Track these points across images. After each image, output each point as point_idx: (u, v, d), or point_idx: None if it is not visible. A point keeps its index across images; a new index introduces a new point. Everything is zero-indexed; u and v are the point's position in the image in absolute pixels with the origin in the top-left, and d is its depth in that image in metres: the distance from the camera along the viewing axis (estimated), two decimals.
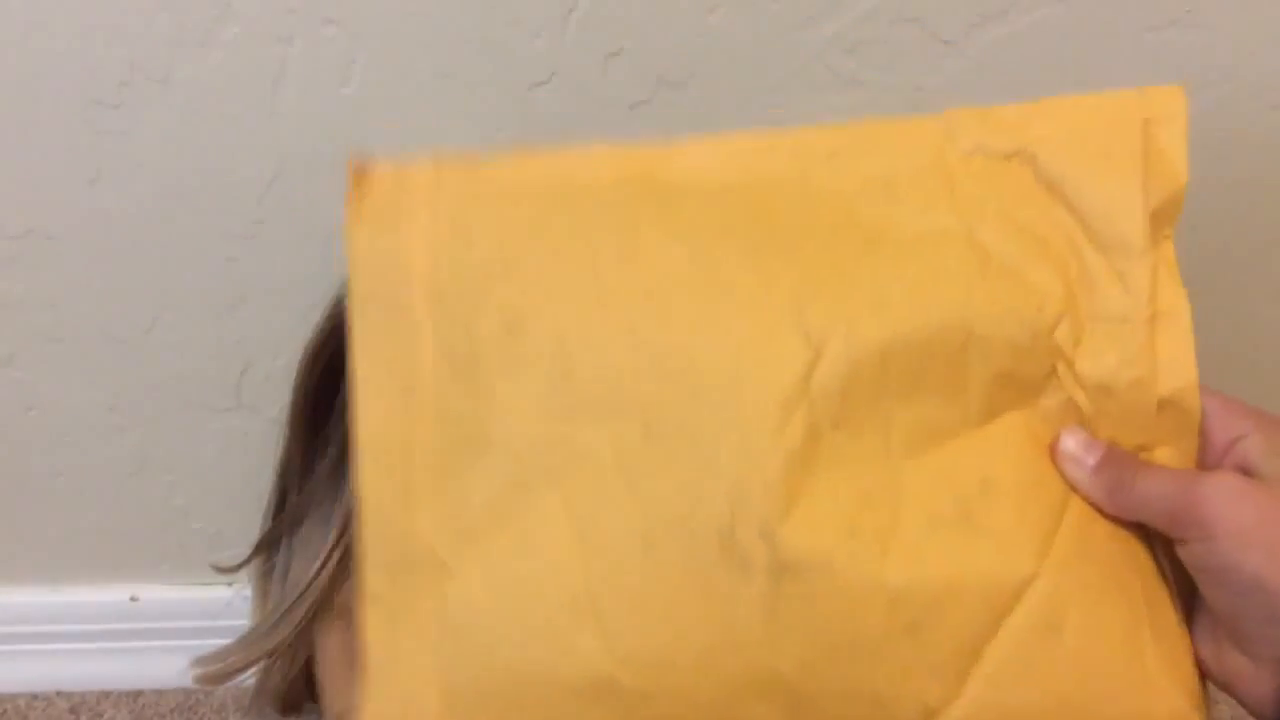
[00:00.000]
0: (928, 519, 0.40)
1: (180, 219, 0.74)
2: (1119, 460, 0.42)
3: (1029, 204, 0.43)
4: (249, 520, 0.76)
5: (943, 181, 0.44)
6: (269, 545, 0.74)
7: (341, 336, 0.68)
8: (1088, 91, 0.62)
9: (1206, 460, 0.44)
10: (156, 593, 0.87)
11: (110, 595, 0.87)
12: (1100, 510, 0.43)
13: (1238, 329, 0.81)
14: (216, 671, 0.69)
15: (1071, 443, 0.43)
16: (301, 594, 0.69)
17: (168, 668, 0.81)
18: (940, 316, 0.42)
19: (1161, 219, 0.44)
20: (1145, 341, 0.42)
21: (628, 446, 0.41)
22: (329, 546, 0.70)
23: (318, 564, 0.70)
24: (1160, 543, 0.43)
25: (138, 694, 0.86)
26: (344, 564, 0.71)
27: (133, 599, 0.87)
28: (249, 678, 0.72)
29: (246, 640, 0.70)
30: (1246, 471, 0.42)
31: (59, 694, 0.86)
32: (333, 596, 0.71)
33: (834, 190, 0.44)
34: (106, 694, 0.86)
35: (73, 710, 0.85)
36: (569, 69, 0.71)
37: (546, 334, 0.42)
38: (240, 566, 0.75)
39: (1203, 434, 0.43)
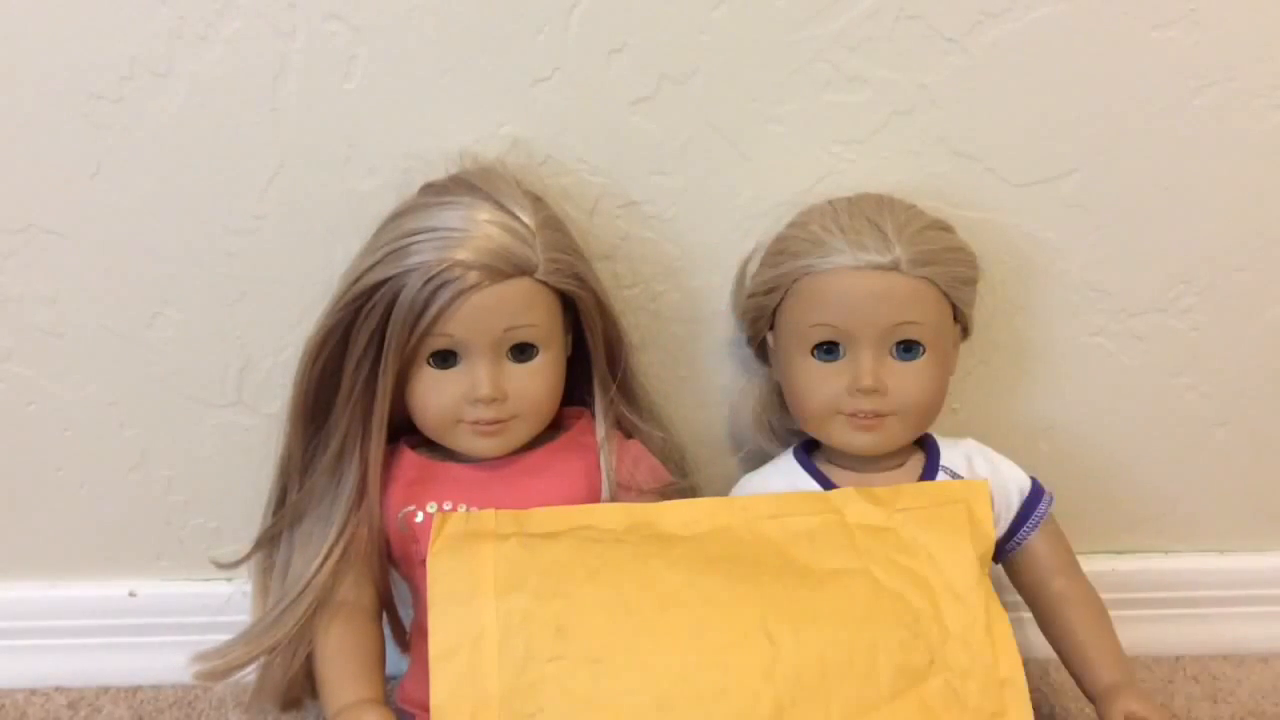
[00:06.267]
0: None
1: (181, 214, 0.74)
2: None
3: (903, 553, 0.65)
4: (248, 516, 0.76)
5: (846, 536, 0.66)
6: (269, 541, 0.74)
7: (342, 333, 0.69)
8: (1088, 88, 0.72)
9: None
10: (155, 588, 0.87)
11: (109, 590, 0.87)
12: None
13: (1238, 329, 0.81)
14: (217, 667, 0.69)
15: None
16: (302, 590, 0.69)
17: (166, 663, 0.81)
18: (854, 625, 0.62)
19: (984, 562, 0.66)
20: (985, 639, 0.63)
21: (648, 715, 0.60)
22: (329, 543, 0.70)
23: (318, 560, 0.70)
24: None
25: (136, 689, 0.86)
26: (344, 560, 0.71)
27: (131, 594, 0.86)
28: (249, 674, 0.72)
29: (247, 636, 0.70)
30: None
31: (58, 689, 0.86)
32: (333, 593, 0.71)
33: (773, 538, 0.65)
34: (105, 689, 0.86)
35: (71, 705, 0.84)
36: (571, 64, 0.71)
37: (589, 636, 0.61)
38: (240, 563, 0.75)
39: None
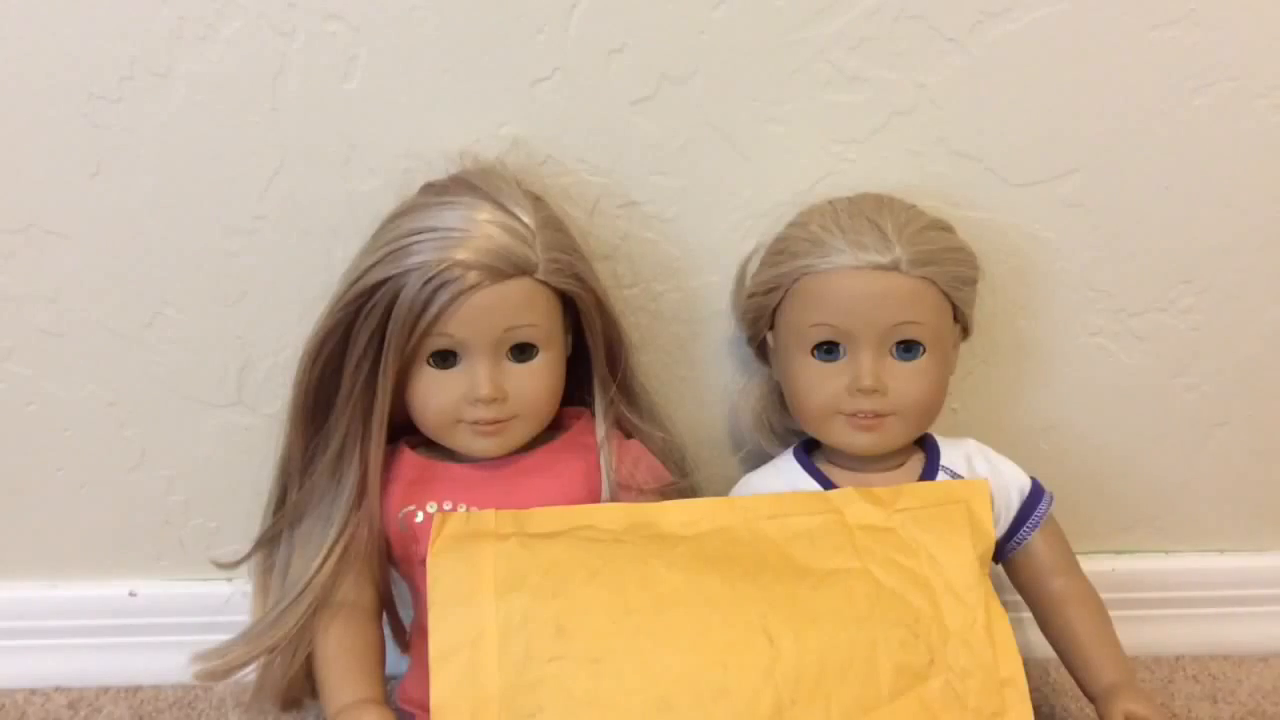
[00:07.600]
0: None
1: (181, 214, 0.74)
2: None
3: (903, 553, 0.65)
4: (248, 516, 0.76)
5: (846, 536, 0.66)
6: (269, 541, 0.74)
7: (342, 333, 0.69)
8: (1088, 88, 0.74)
9: None
10: (155, 588, 0.87)
11: (109, 590, 0.87)
12: None
13: (1238, 329, 0.81)
14: (217, 667, 0.69)
15: None
16: (302, 590, 0.69)
17: (166, 663, 0.81)
18: (854, 625, 0.63)
19: (984, 562, 0.66)
20: (985, 639, 0.63)
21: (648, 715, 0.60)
22: (329, 543, 0.70)
23: (318, 560, 0.70)
24: None
25: (136, 689, 0.86)
26: (344, 560, 0.71)
27: (131, 594, 0.86)
28: (249, 674, 0.72)
29: (247, 636, 0.70)
30: None
31: (58, 689, 0.86)
32: (333, 593, 0.71)
33: (773, 538, 0.65)
34: (105, 689, 0.86)
35: (71, 705, 0.85)
36: (571, 65, 0.71)
37: (589, 636, 0.61)
38: (240, 562, 0.75)
39: None
